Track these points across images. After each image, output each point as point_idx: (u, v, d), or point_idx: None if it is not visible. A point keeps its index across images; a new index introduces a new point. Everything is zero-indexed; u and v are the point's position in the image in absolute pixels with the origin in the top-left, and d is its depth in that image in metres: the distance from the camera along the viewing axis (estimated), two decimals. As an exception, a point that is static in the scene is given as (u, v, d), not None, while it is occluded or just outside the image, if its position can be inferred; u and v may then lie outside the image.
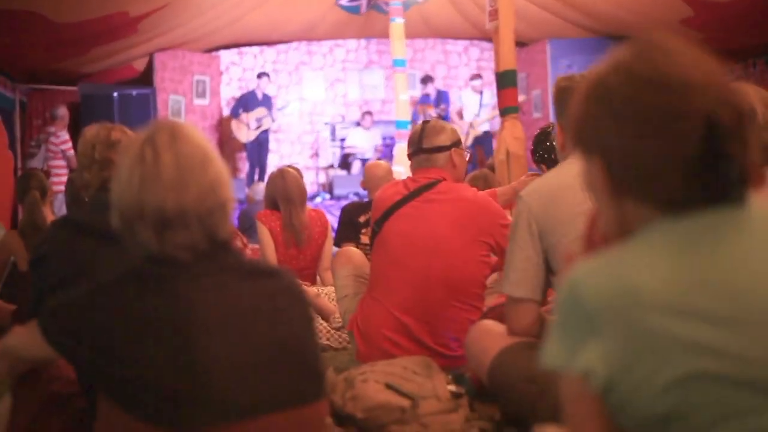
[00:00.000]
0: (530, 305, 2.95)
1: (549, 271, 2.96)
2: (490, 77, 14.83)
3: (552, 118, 13.80)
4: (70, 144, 10.91)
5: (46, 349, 1.93)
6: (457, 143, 4.11)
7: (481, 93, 13.83)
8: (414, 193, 3.98)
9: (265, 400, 1.86)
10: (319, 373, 2.02)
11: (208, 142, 1.97)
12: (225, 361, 1.82)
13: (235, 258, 1.97)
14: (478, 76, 14.15)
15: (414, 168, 4.15)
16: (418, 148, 4.09)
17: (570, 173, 2.80)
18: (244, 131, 13.73)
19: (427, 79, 14.43)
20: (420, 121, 4.47)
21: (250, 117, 13.69)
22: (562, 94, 2.98)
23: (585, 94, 1.44)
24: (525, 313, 2.95)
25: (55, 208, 8.98)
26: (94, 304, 1.85)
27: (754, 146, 1.35)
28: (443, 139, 4.06)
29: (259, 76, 14.17)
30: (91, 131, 3.05)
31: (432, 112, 13.64)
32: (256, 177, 13.44)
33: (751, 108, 2.53)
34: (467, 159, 4.23)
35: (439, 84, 14.98)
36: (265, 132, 13.91)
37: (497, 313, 3.44)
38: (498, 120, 14.05)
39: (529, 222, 2.94)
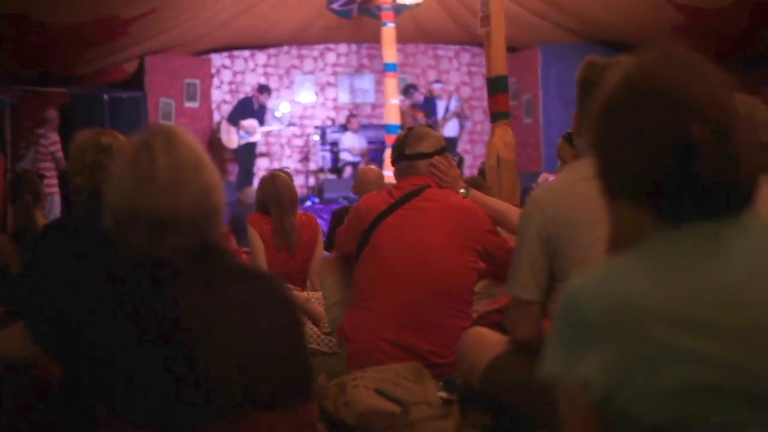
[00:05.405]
0: (538, 308, 2.84)
1: (552, 277, 2.84)
2: (481, 81, 14.90)
3: (542, 123, 13.95)
4: (59, 146, 10.88)
5: (30, 349, 1.93)
6: (440, 150, 4.04)
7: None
8: (400, 200, 3.93)
9: (253, 402, 1.86)
10: (307, 377, 2.02)
11: (201, 147, 1.97)
12: (215, 363, 1.83)
13: (226, 262, 1.97)
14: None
15: (398, 176, 4.10)
16: (401, 155, 4.06)
17: (584, 176, 2.55)
18: (229, 137, 13.75)
19: (409, 88, 14.46)
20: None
21: (241, 126, 13.70)
22: (584, 84, 2.86)
23: (600, 94, 1.45)
24: (533, 316, 2.85)
25: (45, 211, 8.96)
26: (86, 307, 1.85)
27: (745, 160, 1.34)
28: (426, 146, 4.00)
29: (261, 89, 14.15)
30: (81, 136, 3.06)
31: (420, 118, 13.67)
32: (246, 180, 13.46)
33: (747, 121, 2.48)
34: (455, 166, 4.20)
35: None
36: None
37: (489, 320, 3.42)
38: (453, 126, 14.19)
39: (539, 224, 2.81)
